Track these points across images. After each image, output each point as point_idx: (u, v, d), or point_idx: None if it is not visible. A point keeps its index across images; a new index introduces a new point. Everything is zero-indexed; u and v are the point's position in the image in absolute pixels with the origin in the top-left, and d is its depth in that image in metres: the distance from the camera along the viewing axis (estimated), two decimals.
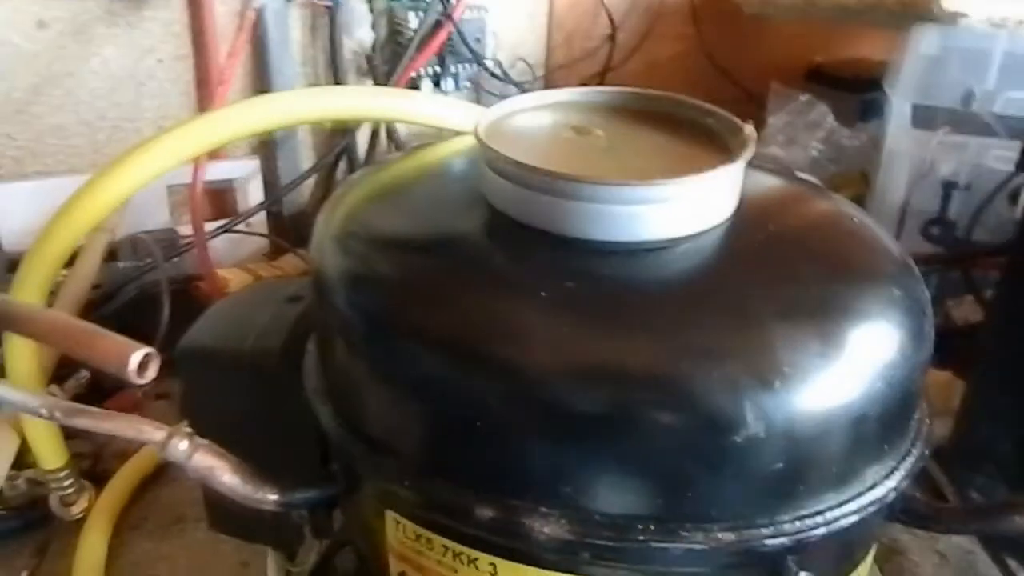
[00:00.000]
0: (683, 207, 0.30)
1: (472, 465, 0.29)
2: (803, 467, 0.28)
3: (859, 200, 0.77)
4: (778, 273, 0.30)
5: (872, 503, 0.29)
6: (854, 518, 0.29)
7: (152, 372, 0.30)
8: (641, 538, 0.27)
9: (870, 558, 0.34)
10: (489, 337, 0.28)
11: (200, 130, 0.47)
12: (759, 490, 0.27)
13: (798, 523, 0.28)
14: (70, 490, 0.52)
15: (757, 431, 0.26)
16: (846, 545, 0.31)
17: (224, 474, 0.32)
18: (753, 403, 0.26)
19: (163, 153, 0.46)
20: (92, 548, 0.49)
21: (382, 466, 0.30)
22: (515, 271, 0.31)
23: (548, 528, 0.27)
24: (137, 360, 0.29)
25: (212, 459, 0.32)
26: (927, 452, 0.32)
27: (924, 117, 0.71)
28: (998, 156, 0.69)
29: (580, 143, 0.34)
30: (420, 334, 0.29)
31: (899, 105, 0.72)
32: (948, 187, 0.71)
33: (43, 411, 0.31)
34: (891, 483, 0.30)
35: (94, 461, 0.57)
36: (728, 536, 0.27)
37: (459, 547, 0.30)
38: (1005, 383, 0.53)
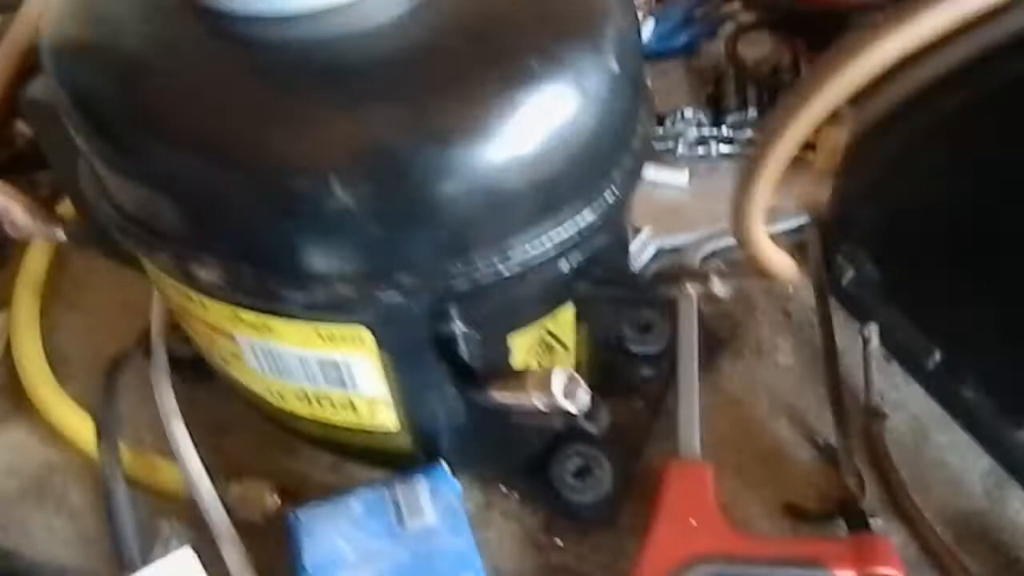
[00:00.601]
0: None
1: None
2: (468, 220, 0.30)
3: None
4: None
5: (535, 259, 0.32)
6: (517, 269, 0.31)
7: None
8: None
9: (566, 320, 0.37)
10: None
11: None
12: (428, 241, 0.30)
13: (459, 274, 0.31)
14: None
15: (430, 183, 0.28)
16: (515, 300, 0.34)
17: (16, 213, 0.38)
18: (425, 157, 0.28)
19: None
20: (34, 261, 0.59)
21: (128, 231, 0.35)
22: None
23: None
24: None
25: (4, 198, 0.38)
26: (616, 221, 0.34)
27: None
28: None
29: None
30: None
31: None
32: None
33: None
34: (553, 242, 0.32)
35: None
36: (411, 284, 0.31)
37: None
38: (867, 152, 0.50)
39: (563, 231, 0.32)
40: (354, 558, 0.36)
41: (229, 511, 0.43)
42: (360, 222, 0.29)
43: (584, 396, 0.28)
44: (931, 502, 0.45)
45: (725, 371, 0.52)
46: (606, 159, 0.33)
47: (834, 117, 0.61)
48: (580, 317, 0.37)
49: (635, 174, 0.35)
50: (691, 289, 0.32)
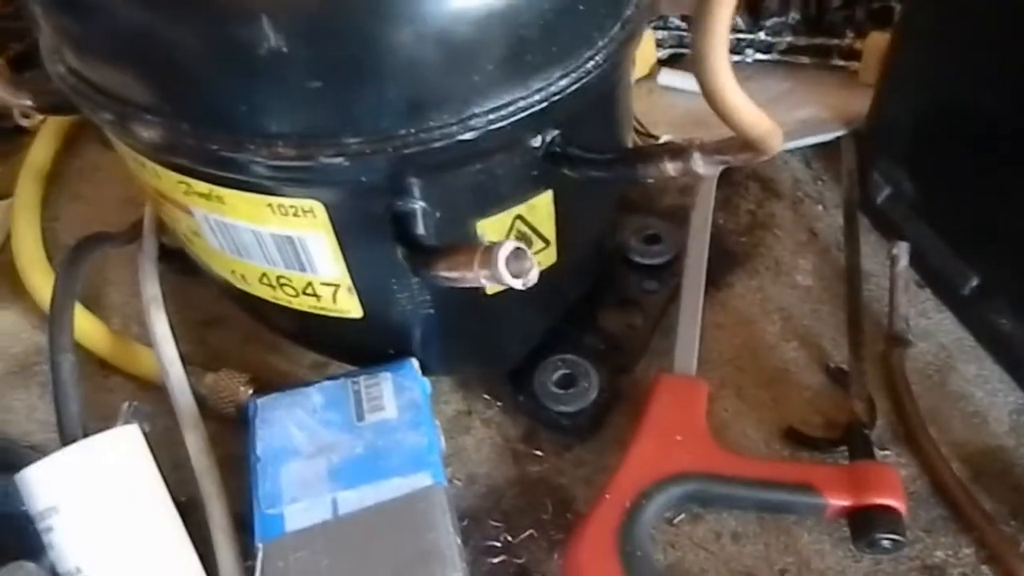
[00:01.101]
0: None
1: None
2: (418, 75, 0.27)
3: None
4: None
5: (499, 127, 0.29)
6: (477, 136, 0.28)
7: None
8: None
9: (543, 208, 0.34)
10: None
11: None
12: (373, 98, 0.27)
13: (410, 138, 0.28)
14: None
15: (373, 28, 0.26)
16: (480, 177, 0.31)
17: None
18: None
19: None
20: (39, 150, 0.58)
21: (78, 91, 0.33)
22: None
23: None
24: None
25: None
26: (600, 94, 0.30)
27: None
28: None
29: None
30: None
31: None
32: None
33: None
34: (520, 109, 0.29)
35: None
36: (358, 147, 0.28)
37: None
38: (913, 55, 0.45)
39: (532, 98, 0.29)
40: (308, 448, 0.34)
41: (202, 401, 0.42)
42: (296, 71, 0.26)
43: (533, 272, 0.26)
44: (950, 436, 0.41)
45: (737, 289, 0.48)
46: (585, 21, 0.30)
47: (884, 21, 0.56)
48: (561, 207, 0.34)
49: (625, 44, 0.31)
50: (671, 167, 0.28)
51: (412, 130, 0.28)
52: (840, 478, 0.36)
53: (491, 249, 0.25)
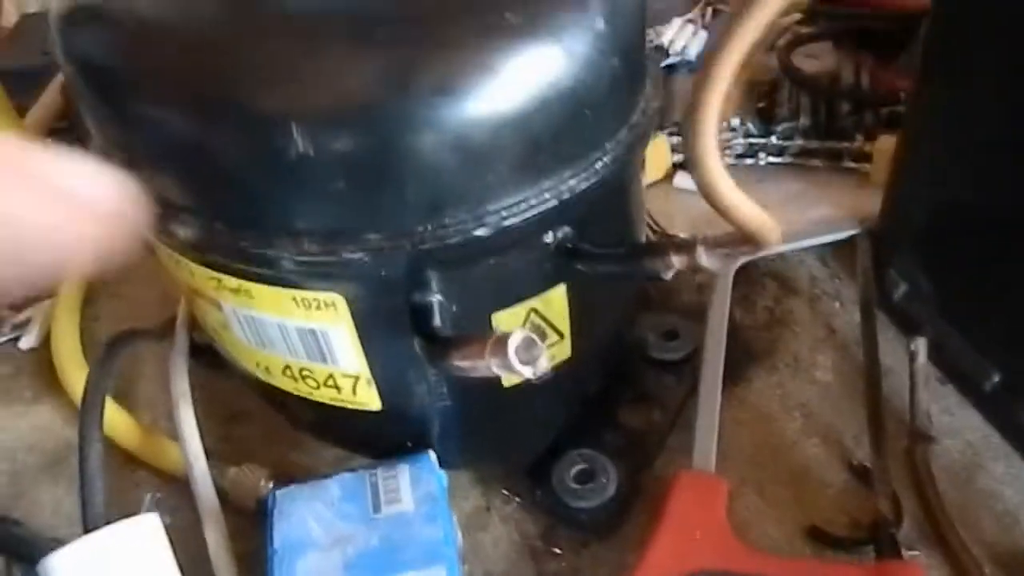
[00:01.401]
0: None
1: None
2: (437, 178, 0.29)
3: None
4: None
5: (513, 225, 0.30)
6: (485, 231, 0.30)
7: None
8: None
9: (557, 302, 0.35)
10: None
11: None
12: (395, 199, 0.29)
13: (428, 235, 0.30)
14: None
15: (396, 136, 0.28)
16: (495, 272, 0.32)
17: None
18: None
19: None
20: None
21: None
22: None
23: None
24: None
25: None
26: (612, 195, 0.32)
27: None
28: None
29: None
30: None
31: None
32: None
33: None
34: (533, 209, 0.30)
35: None
36: (378, 243, 0.30)
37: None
38: (921, 153, 0.46)
39: (543, 196, 0.31)
40: (325, 540, 0.34)
41: (223, 495, 0.43)
42: (323, 173, 0.28)
43: (544, 362, 0.26)
44: (980, 537, 0.39)
45: (756, 385, 0.48)
46: (596, 127, 0.32)
47: (893, 125, 0.57)
48: (575, 301, 0.35)
49: (632, 147, 0.33)
50: (676, 260, 0.29)
51: (430, 227, 0.30)
52: None
53: (503, 339, 0.26)
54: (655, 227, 0.56)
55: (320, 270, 0.31)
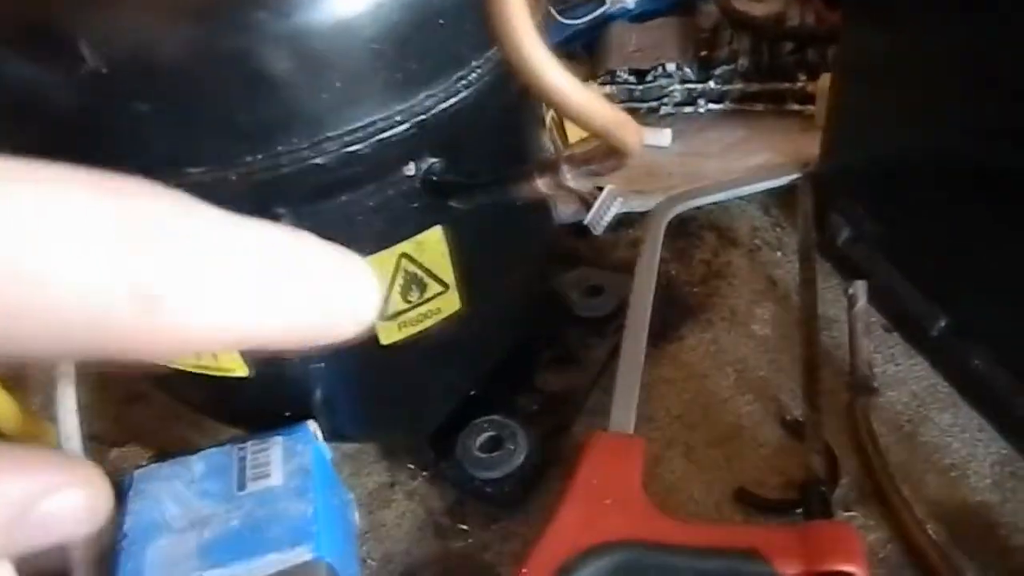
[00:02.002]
0: None
1: None
2: (260, 97, 0.25)
3: None
4: None
5: (359, 149, 0.26)
6: (323, 159, 0.26)
7: None
8: None
9: (434, 246, 0.31)
10: None
11: None
12: (207, 121, 0.25)
13: (257, 164, 0.26)
14: None
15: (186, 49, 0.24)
16: (351, 209, 0.28)
17: None
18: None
19: None
20: None
21: None
22: None
23: None
24: None
25: None
26: (489, 119, 0.28)
27: None
28: None
29: None
30: None
31: None
32: None
33: None
34: (380, 130, 0.26)
35: None
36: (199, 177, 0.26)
37: None
38: (855, 94, 0.43)
39: (396, 121, 0.27)
40: (180, 522, 0.31)
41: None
42: (119, 95, 0.24)
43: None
44: (925, 494, 0.36)
45: (689, 342, 0.44)
46: (456, 41, 0.28)
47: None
48: (458, 245, 0.31)
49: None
50: (541, 183, 0.25)
51: (258, 156, 0.26)
52: (791, 542, 0.32)
53: None
54: None
55: None
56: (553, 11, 0.61)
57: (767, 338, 0.44)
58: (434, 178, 0.29)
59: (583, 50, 0.64)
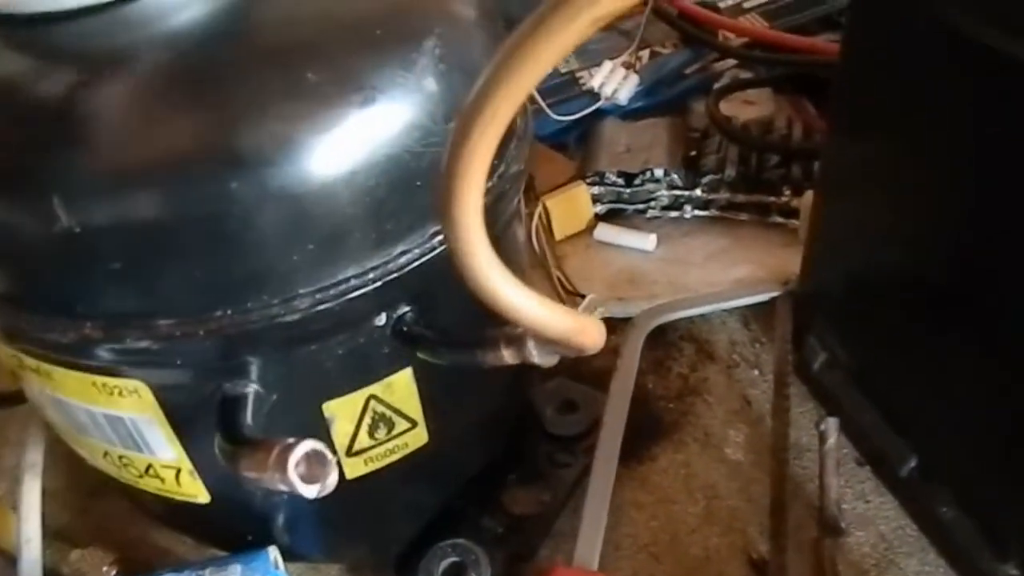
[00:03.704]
0: None
1: None
2: (223, 256, 0.25)
3: None
4: None
5: (329, 305, 0.27)
6: (295, 316, 0.26)
7: None
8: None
9: (403, 387, 0.31)
10: None
11: None
12: (176, 279, 0.26)
13: (226, 320, 0.26)
14: None
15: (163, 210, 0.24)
16: (321, 358, 0.29)
17: None
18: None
19: None
20: None
21: None
22: None
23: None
24: None
25: None
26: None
27: None
28: None
29: None
30: None
31: None
32: None
33: None
34: (351, 288, 0.27)
35: None
36: (168, 330, 0.26)
37: None
38: (835, 214, 0.43)
39: (369, 279, 0.27)
40: None
41: None
42: (92, 251, 0.24)
43: (331, 479, 0.23)
44: None
45: (661, 463, 0.44)
46: (427, 197, 0.28)
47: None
48: (427, 385, 0.32)
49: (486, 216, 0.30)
50: (507, 354, 0.26)
51: (228, 311, 0.26)
52: None
53: (286, 450, 0.23)
54: (567, 285, 0.53)
55: (110, 358, 0.27)
56: (545, 106, 0.62)
57: (739, 464, 0.44)
58: (404, 328, 0.29)
59: (575, 143, 0.65)
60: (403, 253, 0.28)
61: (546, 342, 0.25)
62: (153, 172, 0.24)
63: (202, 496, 0.32)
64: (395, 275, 0.27)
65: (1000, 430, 0.35)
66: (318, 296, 0.26)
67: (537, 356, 0.25)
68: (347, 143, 0.25)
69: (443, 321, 0.29)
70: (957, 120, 0.34)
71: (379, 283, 0.27)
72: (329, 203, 0.25)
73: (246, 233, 0.25)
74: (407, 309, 0.29)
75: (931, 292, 0.38)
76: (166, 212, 0.24)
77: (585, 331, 0.21)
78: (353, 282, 0.27)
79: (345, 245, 0.26)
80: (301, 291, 0.26)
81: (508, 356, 0.25)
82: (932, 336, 0.39)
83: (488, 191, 0.30)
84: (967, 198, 0.35)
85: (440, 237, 0.28)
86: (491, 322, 0.36)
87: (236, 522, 0.35)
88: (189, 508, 0.34)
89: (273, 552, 0.34)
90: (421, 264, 0.28)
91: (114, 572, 0.39)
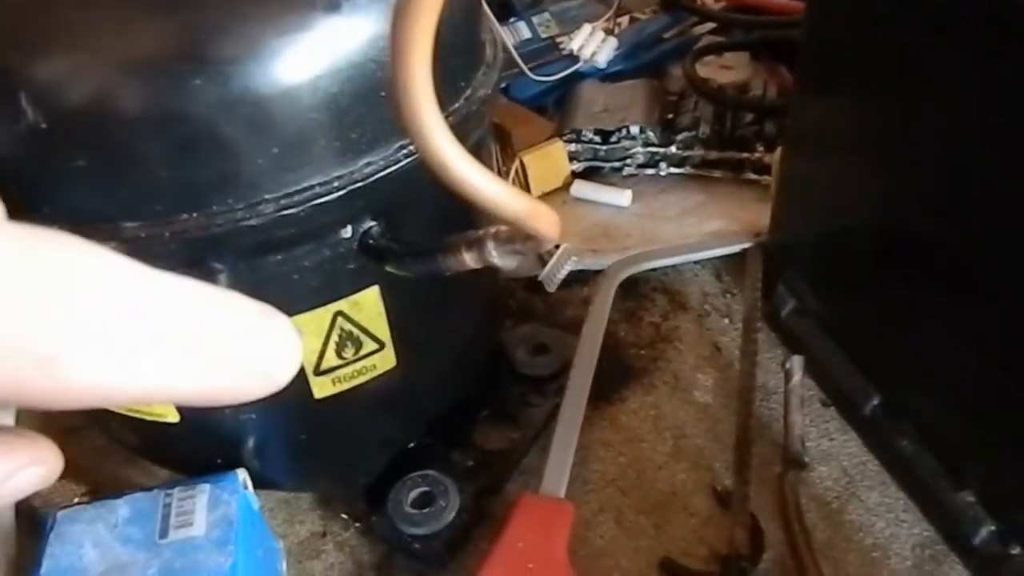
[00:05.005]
0: None
1: None
2: (195, 159, 0.25)
3: None
4: None
5: (294, 212, 0.27)
6: (258, 221, 0.27)
7: None
8: None
9: (370, 305, 0.31)
10: None
11: None
12: (142, 179, 0.26)
13: (191, 222, 0.26)
14: None
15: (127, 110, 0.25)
16: (288, 268, 0.29)
17: None
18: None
19: None
20: None
21: None
22: None
23: None
24: None
25: None
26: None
27: None
28: None
29: None
30: None
31: None
32: None
33: None
34: (315, 194, 0.27)
35: None
36: (133, 232, 0.27)
37: None
38: (801, 166, 0.44)
39: (333, 187, 0.27)
40: (98, 568, 0.31)
41: (32, 512, 0.39)
42: (58, 148, 0.25)
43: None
44: (847, 572, 0.36)
45: (630, 405, 0.45)
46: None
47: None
48: (395, 305, 0.32)
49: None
50: (468, 258, 0.26)
51: (193, 214, 0.26)
52: None
53: None
54: None
55: None
56: (525, 68, 0.62)
57: (707, 405, 0.44)
58: (371, 242, 0.29)
59: (554, 106, 0.65)
60: (368, 164, 0.28)
61: (504, 240, 0.25)
62: (119, 68, 0.24)
63: (170, 415, 0.33)
64: (360, 184, 0.28)
65: (962, 367, 0.36)
66: (283, 202, 0.27)
67: (497, 257, 0.25)
68: (311, 48, 0.26)
69: (409, 236, 0.30)
70: (919, 71, 0.35)
71: (343, 191, 0.27)
72: (293, 107, 0.26)
73: (210, 133, 0.25)
74: (373, 223, 0.29)
75: (896, 239, 0.39)
76: (131, 109, 0.25)
77: (539, 215, 0.22)
78: (318, 189, 0.27)
79: (310, 152, 0.27)
80: (266, 196, 0.27)
81: (470, 259, 0.26)
82: (897, 281, 0.39)
83: (455, 111, 0.31)
84: (930, 148, 0.36)
85: (406, 151, 0.29)
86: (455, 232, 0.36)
87: (205, 444, 0.35)
88: (159, 430, 0.34)
89: (242, 474, 0.34)
90: (387, 176, 0.28)
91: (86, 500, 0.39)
